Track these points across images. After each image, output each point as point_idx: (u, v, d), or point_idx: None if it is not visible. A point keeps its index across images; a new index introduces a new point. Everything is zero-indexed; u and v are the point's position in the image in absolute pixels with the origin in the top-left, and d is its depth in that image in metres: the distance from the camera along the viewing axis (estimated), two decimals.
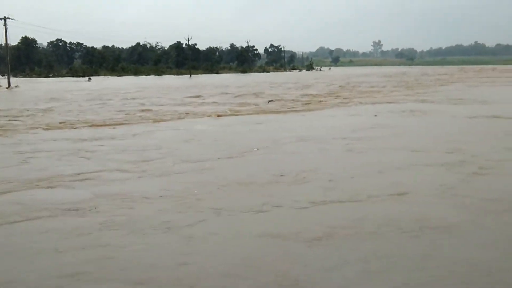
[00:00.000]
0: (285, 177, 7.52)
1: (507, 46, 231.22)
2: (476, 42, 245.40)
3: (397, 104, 20.51)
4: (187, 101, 24.42)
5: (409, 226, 5.21)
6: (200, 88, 37.66)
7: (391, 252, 4.51)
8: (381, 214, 5.65)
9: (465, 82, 39.89)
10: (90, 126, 14.69)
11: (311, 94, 28.09)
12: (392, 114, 16.84)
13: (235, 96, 27.38)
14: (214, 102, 23.17)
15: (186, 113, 18.04)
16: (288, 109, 19.39)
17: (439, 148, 9.97)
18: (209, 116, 17.27)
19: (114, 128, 14.27)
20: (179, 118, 16.61)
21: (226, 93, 29.49)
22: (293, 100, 24.30)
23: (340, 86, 37.77)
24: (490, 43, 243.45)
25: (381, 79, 50.65)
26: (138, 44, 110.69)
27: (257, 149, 10.11)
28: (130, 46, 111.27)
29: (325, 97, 26.12)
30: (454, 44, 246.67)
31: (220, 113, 17.90)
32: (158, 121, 15.75)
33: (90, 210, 5.93)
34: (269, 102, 22.56)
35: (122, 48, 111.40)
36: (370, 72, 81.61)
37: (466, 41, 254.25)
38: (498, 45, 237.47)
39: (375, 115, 16.56)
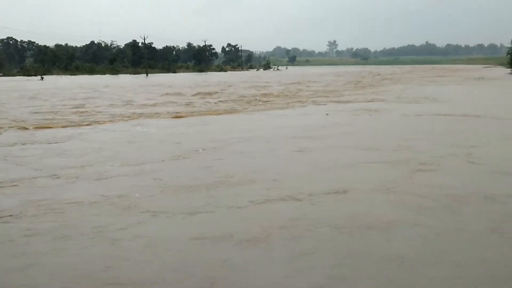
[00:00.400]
0: (230, 178, 7.46)
1: (457, 46, 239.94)
2: (427, 42, 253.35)
3: (349, 103, 20.73)
4: (136, 101, 23.87)
5: (343, 224, 5.29)
6: (153, 87, 37.10)
7: (321, 250, 4.58)
8: (318, 213, 5.71)
9: (415, 81, 40.94)
10: (24, 128, 14.07)
11: (264, 94, 28.02)
12: (344, 113, 17.02)
13: (187, 96, 27.00)
14: (164, 103, 22.64)
15: (132, 114, 17.55)
16: (240, 109, 19.20)
17: (387, 146, 10.11)
18: (157, 117, 16.88)
19: (52, 130, 13.72)
20: (123, 120, 16.12)
21: (179, 94, 28.97)
22: (242, 99, 24.17)
23: (294, 85, 37.92)
24: (440, 43, 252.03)
25: (335, 78, 51.27)
26: (92, 42, 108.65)
27: (203, 150, 9.99)
28: (84, 44, 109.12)
29: (278, 96, 26.10)
30: (406, 44, 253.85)
31: (169, 114, 17.52)
32: (100, 123, 15.21)
33: (15, 217, 5.72)
34: (219, 103, 22.22)
35: (76, 46, 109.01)
36: (325, 71, 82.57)
37: (418, 41, 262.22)
38: (448, 45, 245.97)
39: (327, 114, 16.73)
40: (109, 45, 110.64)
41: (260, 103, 22.29)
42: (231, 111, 18.50)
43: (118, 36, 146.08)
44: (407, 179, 7.34)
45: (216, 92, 29.70)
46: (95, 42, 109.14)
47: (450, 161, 8.66)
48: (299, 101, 22.62)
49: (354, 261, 4.37)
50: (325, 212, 5.75)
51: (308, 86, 36.08)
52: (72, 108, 20.39)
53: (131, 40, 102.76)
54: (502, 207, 5.91)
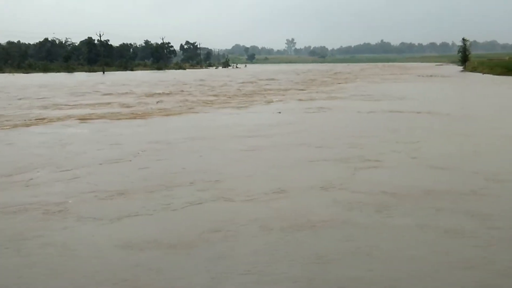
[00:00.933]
0: (169, 180, 7.29)
1: (410, 45, 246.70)
2: (382, 40, 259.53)
3: (304, 102, 20.85)
4: (77, 101, 22.87)
5: (273, 225, 5.29)
6: (99, 85, 36.24)
7: (244, 253, 4.57)
8: (251, 214, 5.69)
9: (370, 79, 41.89)
10: None
11: (219, 93, 27.53)
12: (297, 111, 17.06)
13: (131, 96, 25.72)
14: (103, 104, 21.29)
15: (66, 117, 16.39)
16: (188, 109, 18.52)
17: (335, 144, 10.25)
18: (96, 117, 15.98)
19: None
20: (60, 120, 15.37)
21: (127, 93, 27.82)
22: (188, 99, 23.71)
23: (251, 83, 37.85)
24: (395, 41, 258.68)
25: (292, 76, 51.63)
26: (46, 39, 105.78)
27: (142, 152, 9.66)
28: (37, 42, 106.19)
29: (229, 97, 24.97)
30: (362, 43, 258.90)
31: (108, 115, 16.73)
32: (29, 125, 14.28)
33: None
34: (158, 103, 21.07)
35: (29, 44, 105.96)
36: (283, 69, 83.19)
37: (373, 40, 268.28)
38: (402, 43, 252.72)
39: (279, 112, 16.80)
40: (63, 42, 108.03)
41: (212, 102, 21.71)
42: (180, 112, 17.77)
43: (73, 33, 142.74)
44: (349, 177, 7.40)
45: (167, 93, 28.21)
46: (49, 39, 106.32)
47: (394, 157, 8.83)
48: (254, 100, 22.40)
49: (277, 262, 4.36)
50: (258, 213, 5.72)
51: (265, 84, 36.01)
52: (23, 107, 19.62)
53: (86, 38, 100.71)
54: (436, 203, 6.04)
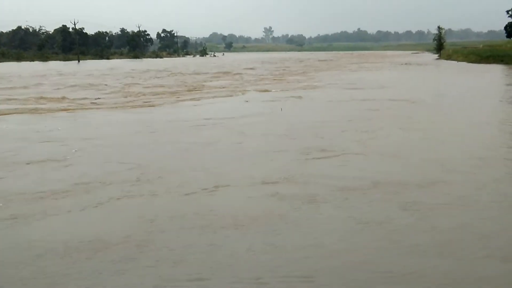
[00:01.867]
0: (107, 178, 7.03)
1: (387, 33, 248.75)
2: (359, 29, 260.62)
3: (274, 92, 20.25)
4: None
5: (197, 224, 5.22)
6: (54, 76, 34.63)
7: (156, 251, 4.59)
8: (175, 211, 5.62)
9: (347, 68, 42.16)
10: None
11: (187, 84, 26.12)
12: (267, 101, 16.67)
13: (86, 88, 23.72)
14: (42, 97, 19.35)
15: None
16: (144, 103, 17.03)
17: (297, 134, 10.24)
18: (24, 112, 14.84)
19: None
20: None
21: (89, 87, 24.99)
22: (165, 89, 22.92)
23: (224, 72, 36.89)
24: (371, 30, 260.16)
25: (269, 65, 51.22)
26: (19, 28, 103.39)
27: (76, 151, 9.00)
28: (10, 30, 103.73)
29: (194, 90, 22.81)
30: (339, 31, 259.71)
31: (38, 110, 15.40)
32: None
33: None
34: (96, 100, 18.41)
35: (2, 32, 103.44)
36: (262, 57, 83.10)
37: (350, 28, 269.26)
38: (378, 31, 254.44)
39: (246, 101, 16.66)
40: (37, 30, 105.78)
41: (181, 93, 20.62)
42: (134, 105, 16.45)
43: (47, 21, 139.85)
44: (297, 170, 7.31)
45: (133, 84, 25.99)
46: (22, 27, 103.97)
47: (350, 148, 8.83)
48: (230, 90, 21.65)
49: (192, 264, 4.39)
50: (185, 212, 5.61)
51: (238, 74, 35.02)
52: None
53: (60, 26, 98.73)
54: (374, 195, 6.11)
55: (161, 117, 13.73)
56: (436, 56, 67.06)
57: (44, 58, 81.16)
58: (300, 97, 18.03)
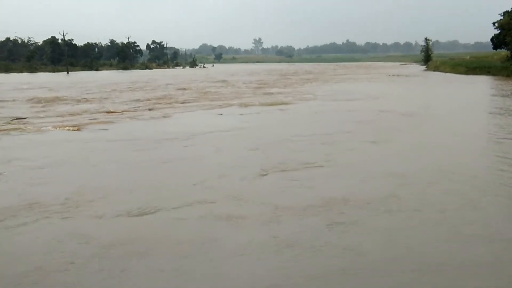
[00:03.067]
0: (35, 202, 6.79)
1: (375, 44, 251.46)
2: (348, 40, 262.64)
3: (252, 107, 19.45)
4: None
5: (71, 247, 5.21)
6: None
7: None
8: (80, 235, 5.53)
9: (335, 79, 42.23)
10: None
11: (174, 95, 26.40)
12: (246, 115, 16.54)
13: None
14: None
15: None
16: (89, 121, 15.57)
17: (264, 146, 10.33)
18: None
19: None
20: None
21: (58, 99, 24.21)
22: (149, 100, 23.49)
23: (217, 83, 37.12)
24: (360, 41, 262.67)
25: (254, 77, 51.47)
26: (7, 39, 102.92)
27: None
28: None
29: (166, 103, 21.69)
30: (328, 43, 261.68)
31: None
32: None
33: None
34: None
35: None
36: (250, 68, 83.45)
37: (339, 40, 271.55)
38: (367, 43, 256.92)
39: (220, 114, 16.61)
40: (26, 42, 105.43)
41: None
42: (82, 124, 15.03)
43: (36, 32, 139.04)
44: (243, 188, 7.28)
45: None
46: (11, 38, 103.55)
47: (316, 162, 8.76)
48: (210, 103, 21.07)
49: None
50: (99, 235, 5.53)
51: (221, 87, 34.73)
52: None
53: (49, 37, 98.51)
54: (307, 214, 6.04)
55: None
56: (423, 67, 67.76)
57: (33, 69, 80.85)
58: (282, 109, 18.06)
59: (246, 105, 19.47)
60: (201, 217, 6.00)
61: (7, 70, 78.96)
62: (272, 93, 25.96)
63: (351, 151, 9.93)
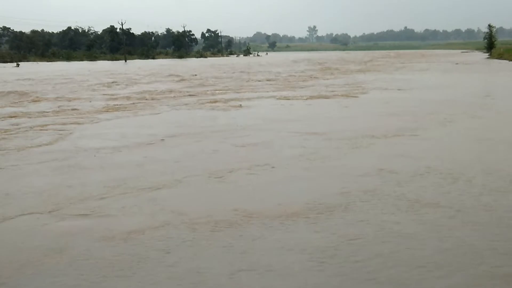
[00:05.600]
0: None
1: (435, 31, 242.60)
2: (405, 27, 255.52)
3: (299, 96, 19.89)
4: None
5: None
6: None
7: None
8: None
9: (405, 68, 41.22)
10: None
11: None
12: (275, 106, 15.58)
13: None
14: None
15: None
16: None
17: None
18: None
19: None
20: None
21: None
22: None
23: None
24: (418, 28, 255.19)
25: (314, 67, 51.18)
26: (69, 28, 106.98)
27: None
28: (61, 30, 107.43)
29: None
30: (385, 30, 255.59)
31: None
32: None
33: None
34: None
35: (53, 32, 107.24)
36: (304, 57, 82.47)
37: (397, 27, 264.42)
38: (426, 30, 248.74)
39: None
40: (86, 31, 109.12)
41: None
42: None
43: (96, 22, 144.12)
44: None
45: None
46: (72, 28, 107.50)
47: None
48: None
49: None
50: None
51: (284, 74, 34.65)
52: None
53: (108, 26, 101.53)
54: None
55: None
56: (486, 55, 64.74)
57: (93, 57, 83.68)
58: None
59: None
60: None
61: (68, 58, 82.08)
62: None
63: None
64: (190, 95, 19.11)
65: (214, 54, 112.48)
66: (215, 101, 16.71)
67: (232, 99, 17.17)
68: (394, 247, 4.44)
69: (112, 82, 26.97)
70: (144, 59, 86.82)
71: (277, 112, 14.04)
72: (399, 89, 19.88)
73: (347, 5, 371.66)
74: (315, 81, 25.98)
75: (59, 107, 15.76)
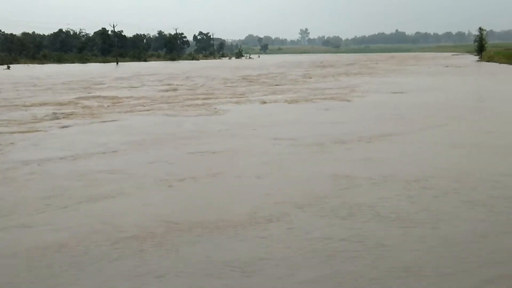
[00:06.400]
0: None
1: (426, 34, 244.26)
2: (397, 30, 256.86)
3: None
4: None
5: None
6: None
7: None
8: None
9: (392, 72, 41.39)
10: None
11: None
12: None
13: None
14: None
15: None
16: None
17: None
18: None
19: None
20: None
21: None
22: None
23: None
24: (410, 31, 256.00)
25: (301, 70, 51.13)
26: (60, 30, 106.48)
27: None
28: (52, 33, 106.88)
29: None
30: (376, 33, 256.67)
31: None
32: None
33: None
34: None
35: (44, 35, 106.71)
36: (295, 60, 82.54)
37: (388, 29, 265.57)
38: (417, 33, 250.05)
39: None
40: (77, 33, 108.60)
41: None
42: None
43: (87, 24, 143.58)
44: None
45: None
46: (63, 30, 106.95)
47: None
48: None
49: None
50: None
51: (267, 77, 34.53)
52: None
53: (100, 28, 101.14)
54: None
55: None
56: (476, 58, 65.17)
57: (84, 60, 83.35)
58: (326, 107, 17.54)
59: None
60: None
61: (59, 60, 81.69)
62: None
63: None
64: (164, 103, 17.63)
65: (206, 57, 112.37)
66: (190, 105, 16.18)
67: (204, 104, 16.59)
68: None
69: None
70: (136, 61, 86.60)
71: (251, 116, 13.46)
72: (387, 92, 20.01)
73: (339, 9, 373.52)
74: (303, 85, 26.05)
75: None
